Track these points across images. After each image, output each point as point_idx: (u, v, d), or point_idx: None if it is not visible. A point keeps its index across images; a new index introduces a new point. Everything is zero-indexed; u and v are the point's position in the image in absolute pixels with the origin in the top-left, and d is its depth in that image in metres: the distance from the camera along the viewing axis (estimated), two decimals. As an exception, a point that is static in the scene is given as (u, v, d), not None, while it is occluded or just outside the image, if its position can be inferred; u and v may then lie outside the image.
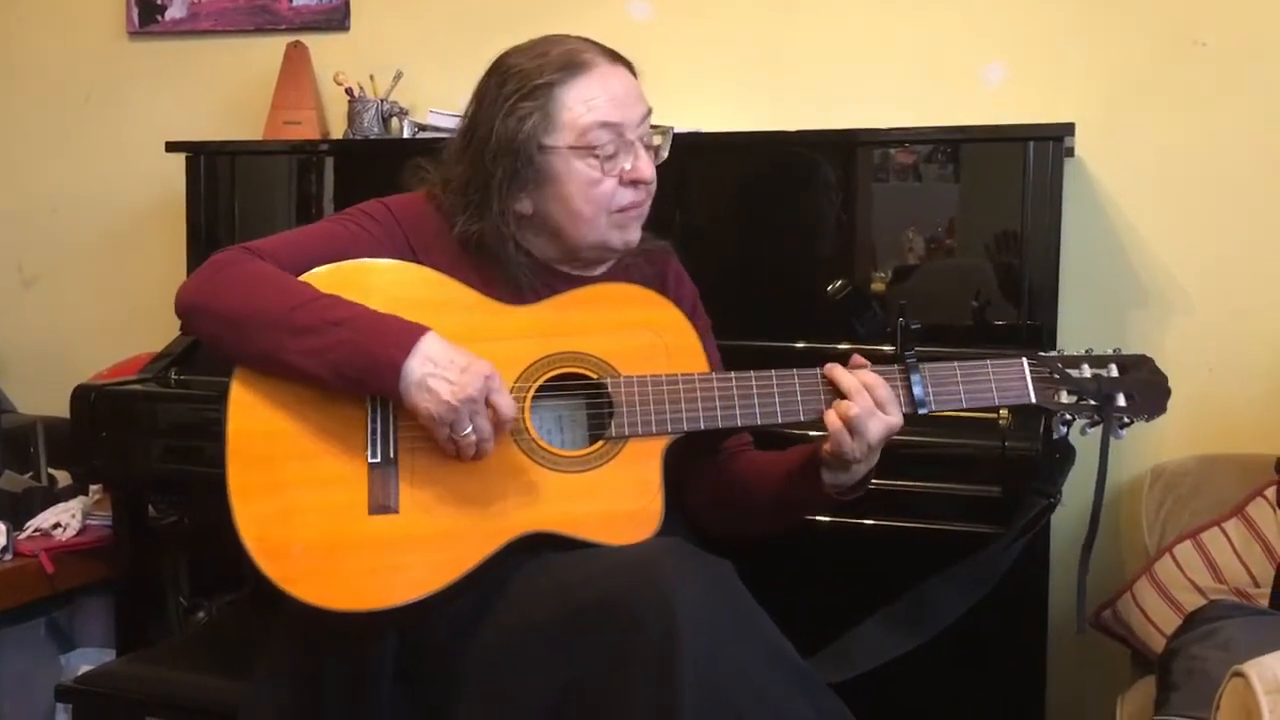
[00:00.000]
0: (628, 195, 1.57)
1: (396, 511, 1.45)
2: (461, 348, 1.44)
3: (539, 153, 1.54)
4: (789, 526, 1.65)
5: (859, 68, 2.48)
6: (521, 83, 1.54)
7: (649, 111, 1.60)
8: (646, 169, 1.57)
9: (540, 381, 1.53)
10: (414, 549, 1.44)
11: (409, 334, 1.43)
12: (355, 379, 1.43)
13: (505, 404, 1.43)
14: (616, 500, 1.49)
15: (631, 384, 1.53)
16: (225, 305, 1.47)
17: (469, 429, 1.42)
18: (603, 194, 1.56)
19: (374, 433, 1.47)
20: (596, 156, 1.54)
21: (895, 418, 1.48)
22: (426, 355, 1.41)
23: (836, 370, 1.50)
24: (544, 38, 1.60)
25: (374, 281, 1.53)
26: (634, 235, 1.61)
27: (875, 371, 1.51)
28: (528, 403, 1.51)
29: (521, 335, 1.54)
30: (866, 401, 1.46)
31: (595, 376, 1.54)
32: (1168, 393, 1.55)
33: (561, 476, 1.50)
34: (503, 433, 1.45)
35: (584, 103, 1.54)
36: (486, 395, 1.42)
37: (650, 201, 1.62)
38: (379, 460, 1.46)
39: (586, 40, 1.60)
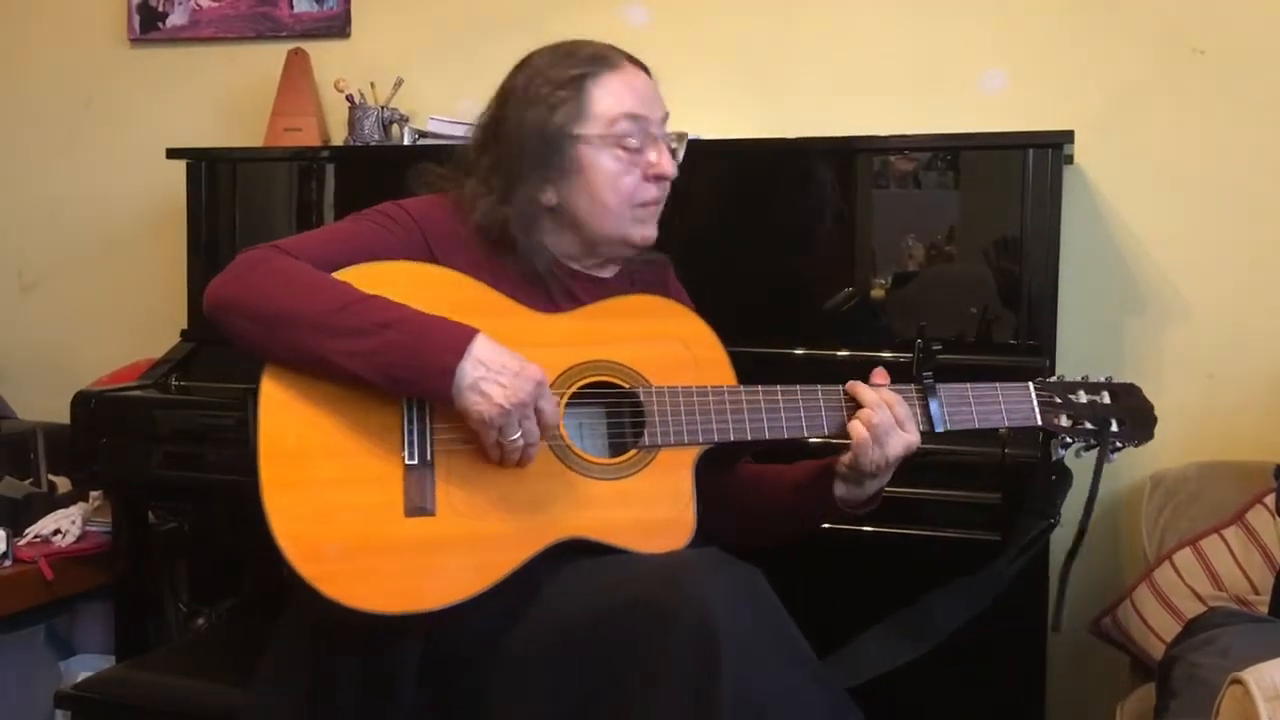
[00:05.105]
0: (650, 190, 1.61)
1: (433, 514, 1.44)
2: (510, 350, 1.43)
3: (569, 142, 1.57)
4: (791, 539, 1.65)
5: (858, 74, 2.48)
6: (554, 75, 1.58)
7: (668, 115, 1.64)
8: (669, 165, 1.61)
9: (574, 389, 1.53)
10: (450, 552, 1.43)
11: (460, 336, 1.42)
12: (405, 381, 1.42)
13: (550, 410, 1.44)
14: (650, 508, 1.50)
15: (664, 394, 1.54)
16: (260, 302, 1.45)
17: (518, 433, 1.42)
18: (628, 186, 1.59)
19: (410, 434, 1.46)
20: (624, 148, 1.58)
21: (913, 436, 1.52)
22: (478, 358, 1.41)
23: (859, 386, 1.54)
24: (570, 40, 1.63)
25: (401, 281, 1.51)
26: (652, 231, 1.64)
27: (895, 389, 1.54)
28: (561, 409, 1.51)
29: (553, 343, 1.54)
30: (886, 415, 1.50)
31: (627, 386, 1.54)
32: (1154, 420, 1.63)
33: (595, 483, 1.50)
34: (547, 438, 1.46)
35: (612, 95, 1.58)
36: (535, 401, 1.42)
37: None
38: (416, 462, 1.45)
39: (609, 45, 1.64)
